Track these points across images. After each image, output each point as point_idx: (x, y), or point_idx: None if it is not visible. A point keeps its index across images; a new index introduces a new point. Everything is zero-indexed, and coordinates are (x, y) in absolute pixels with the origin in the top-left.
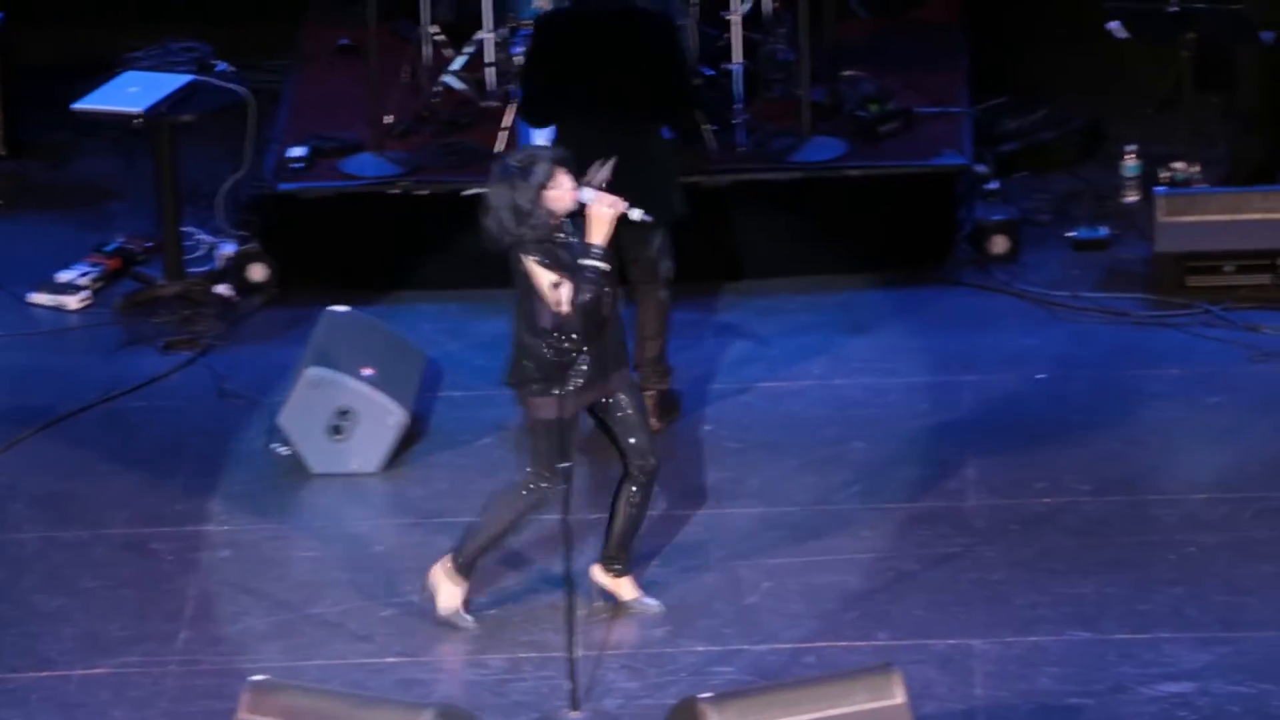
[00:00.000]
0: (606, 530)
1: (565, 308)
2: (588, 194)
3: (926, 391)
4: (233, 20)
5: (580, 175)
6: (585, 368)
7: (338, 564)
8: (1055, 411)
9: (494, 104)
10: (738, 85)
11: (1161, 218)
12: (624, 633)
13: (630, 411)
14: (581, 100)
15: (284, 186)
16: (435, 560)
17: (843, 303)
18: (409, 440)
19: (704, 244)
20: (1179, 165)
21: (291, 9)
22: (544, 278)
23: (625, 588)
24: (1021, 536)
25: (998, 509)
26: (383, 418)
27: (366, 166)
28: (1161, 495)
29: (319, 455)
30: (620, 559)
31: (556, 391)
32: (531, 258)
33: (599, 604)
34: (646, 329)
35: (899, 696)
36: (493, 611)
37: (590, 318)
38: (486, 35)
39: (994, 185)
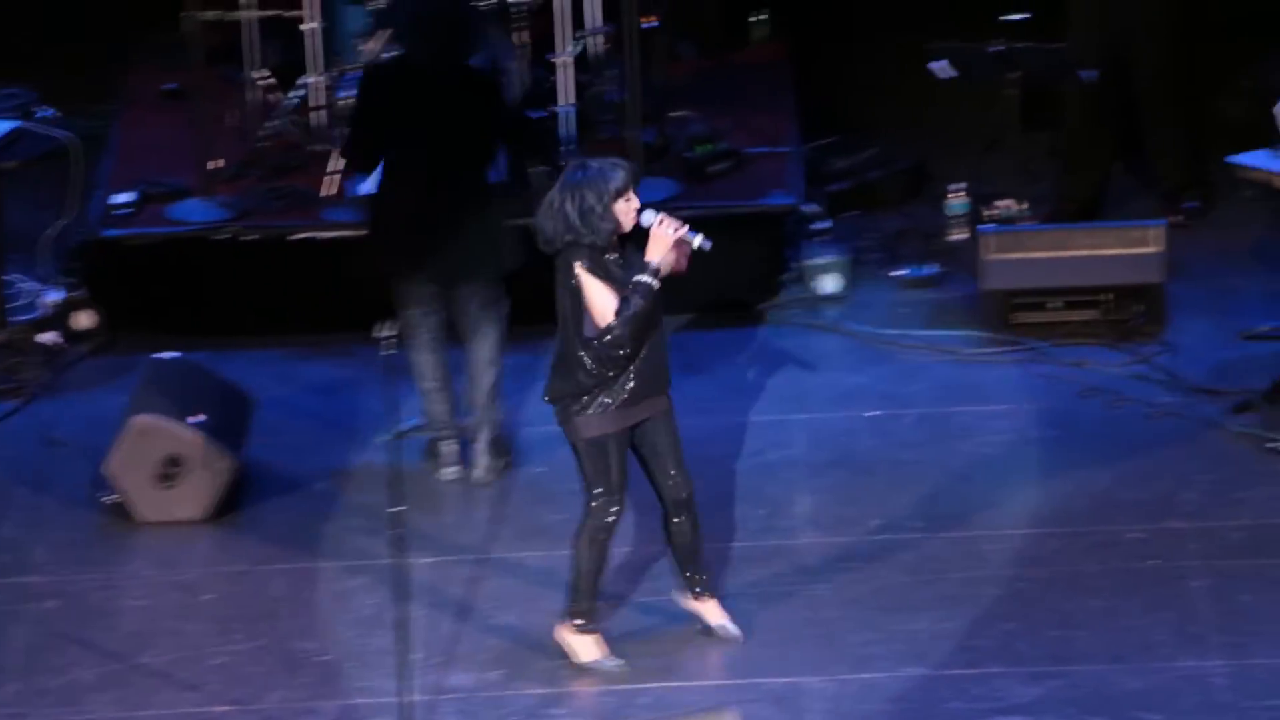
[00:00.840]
0: (673, 561)
1: (611, 318)
2: (650, 215)
3: (758, 430)
4: (57, 66)
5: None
6: (630, 384)
7: (167, 613)
8: (886, 449)
9: (321, 148)
10: (567, 127)
11: (988, 255)
12: (459, 677)
13: (669, 439)
14: (409, 149)
15: (109, 232)
16: (266, 606)
17: (674, 343)
18: (239, 487)
19: (536, 287)
20: (1005, 203)
21: (117, 53)
22: (593, 286)
23: (710, 611)
24: (854, 574)
25: (830, 547)
26: (212, 464)
27: (194, 212)
28: (992, 531)
29: (147, 503)
30: (696, 582)
31: (599, 407)
32: (581, 264)
33: (696, 628)
34: (482, 359)
35: None
36: (325, 658)
37: (637, 333)
38: (313, 79)
39: (824, 224)
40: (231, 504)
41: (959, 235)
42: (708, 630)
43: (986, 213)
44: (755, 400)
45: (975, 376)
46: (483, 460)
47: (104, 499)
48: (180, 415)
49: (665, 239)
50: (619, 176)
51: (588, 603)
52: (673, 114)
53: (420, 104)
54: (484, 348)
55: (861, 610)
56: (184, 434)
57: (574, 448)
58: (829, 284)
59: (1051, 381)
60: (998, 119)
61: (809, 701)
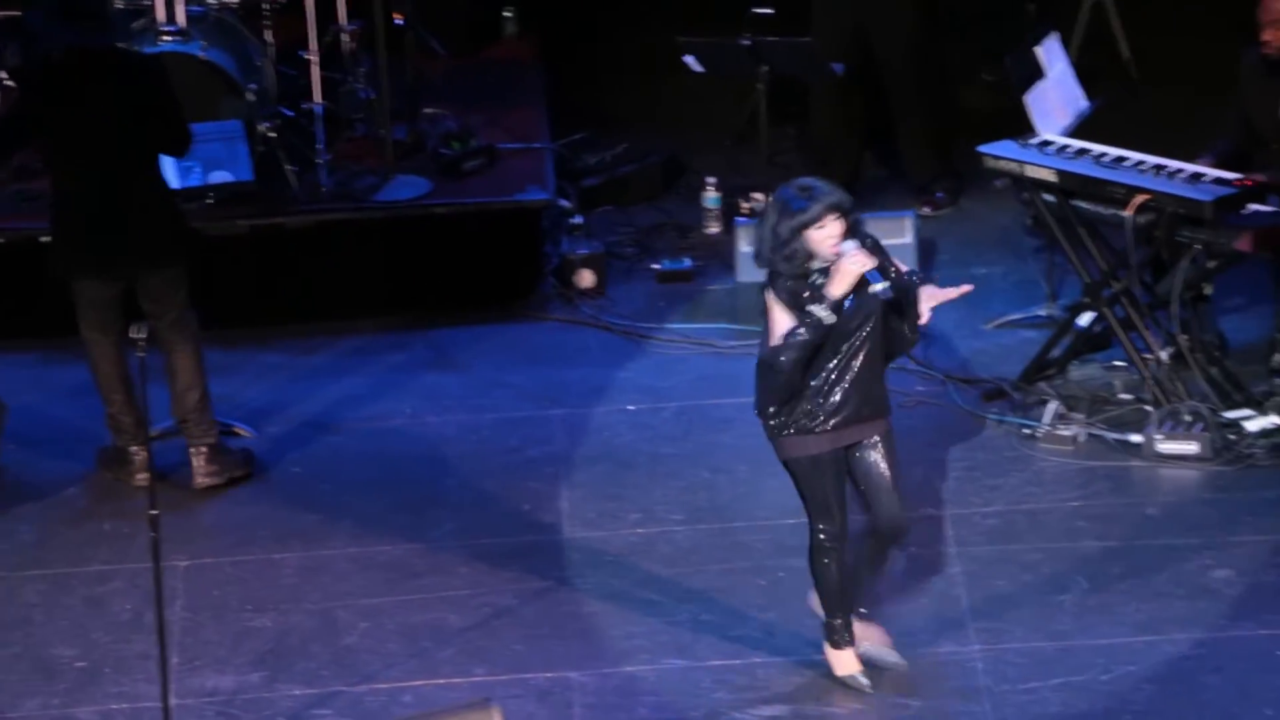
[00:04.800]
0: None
1: (778, 343)
2: (847, 245)
3: (518, 426)
4: None
5: None
6: (832, 408)
7: None
8: (645, 442)
9: None
10: (318, 125)
11: (743, 248)
12: (219, 680)
13: (881, 468)
14: (70, 145)
15: None
16: (20, 612)
17: (432, 340)
18: None
19: (290, 286)
20: (758, 196)
21: None
22: (775, 312)
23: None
24: (615, 568)
25: (591, 541)
26: None
27: None
28: (751, 522)
29: None
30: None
31: (799, 429)
32: (772, 291)
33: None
34: (181, 380)
35: None
36: (81, 664)
37: (799, 362)
38: None
39: (578, 219)
40: None
41: (713, 229)
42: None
43: (741, 205)
44: (514, 396)
45: (733, 369)
46: (198, 466)
47: None
48: None
49: (848, 275)
50: (812, 210)
51: (836, 619)
52: (425, 111)
53: (76, 99)
54: (181, 374)
55: (623, 604)
56: None
57: (785, 464)
58: (585, 279)
59: None
60: (747, 113)
61: (573, 695)
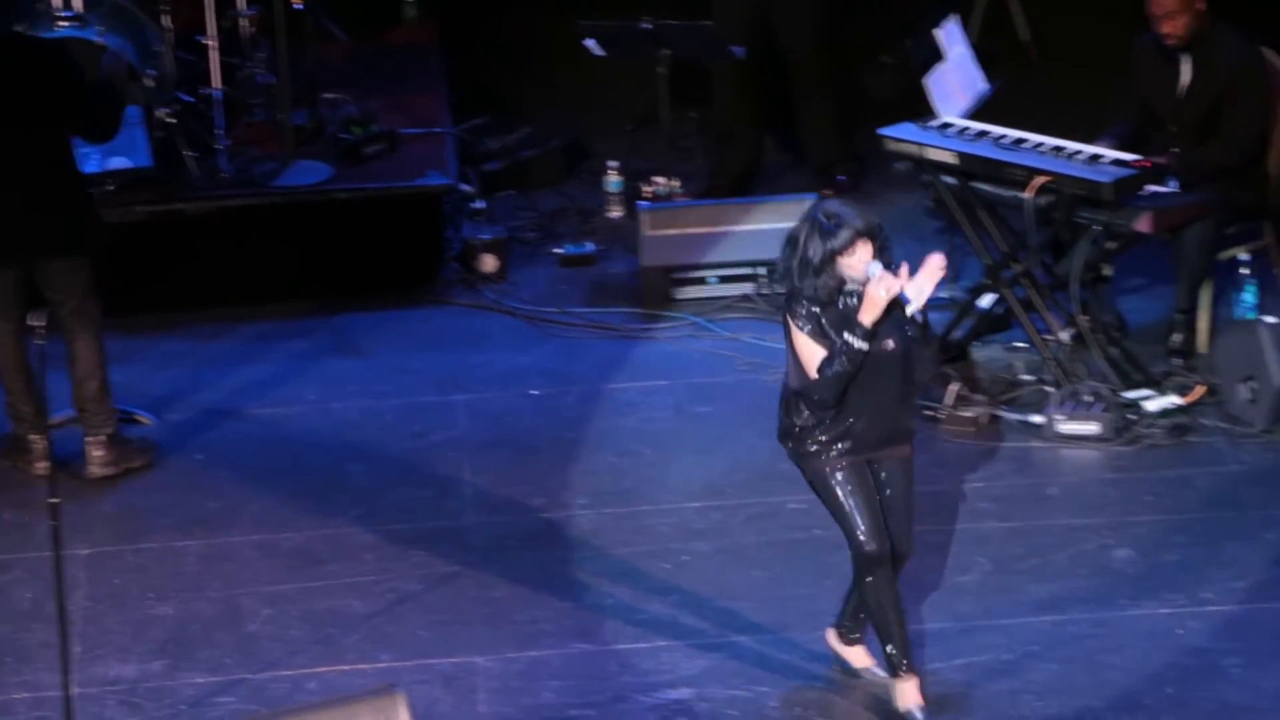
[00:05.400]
0: (845, 597)
1: (814, 374)
2: (875, 269)
3: (421, 412)
4: None
5: None
6: (855, 428)
7: None
8: (549, 427)
9: None
10: (218, 111)
11: (646, 232)
12: (121, 668)
13: (895, 493)
14: None
15: None
16: None
17: (335, 326)
18: None
19: (191, 272)
20: (660, 180)
21: None
22: (801, 341)
23: (857, 655)
24: (520, 552)
25: (496, 526)
26: None
27: None
28: (655, 505)
29: None
30: (854, 628)
31: (820, 448)
32: (796, 320)
33: (836, 669)
34: (82, 368)
35: (403, 718)
36: None
37: (839, 391)
38: None
39: (480, 204)
40: None
41: (616, 212)
42: (854, 674)
43: (643, 189)
44: (417, 381)
45: (636, 352)
46: (94, 455)
47: None
48: None
49: (879, 301)
50: (841, 236)
51: (887, 646)
52: (325, 96)
53: None
54: (82, 361)
55: (528, 588)
56: None
57: (811, 485)
58: (488, 263)
59: (710, 356)
60: (649, 96)
61: (478, 680)
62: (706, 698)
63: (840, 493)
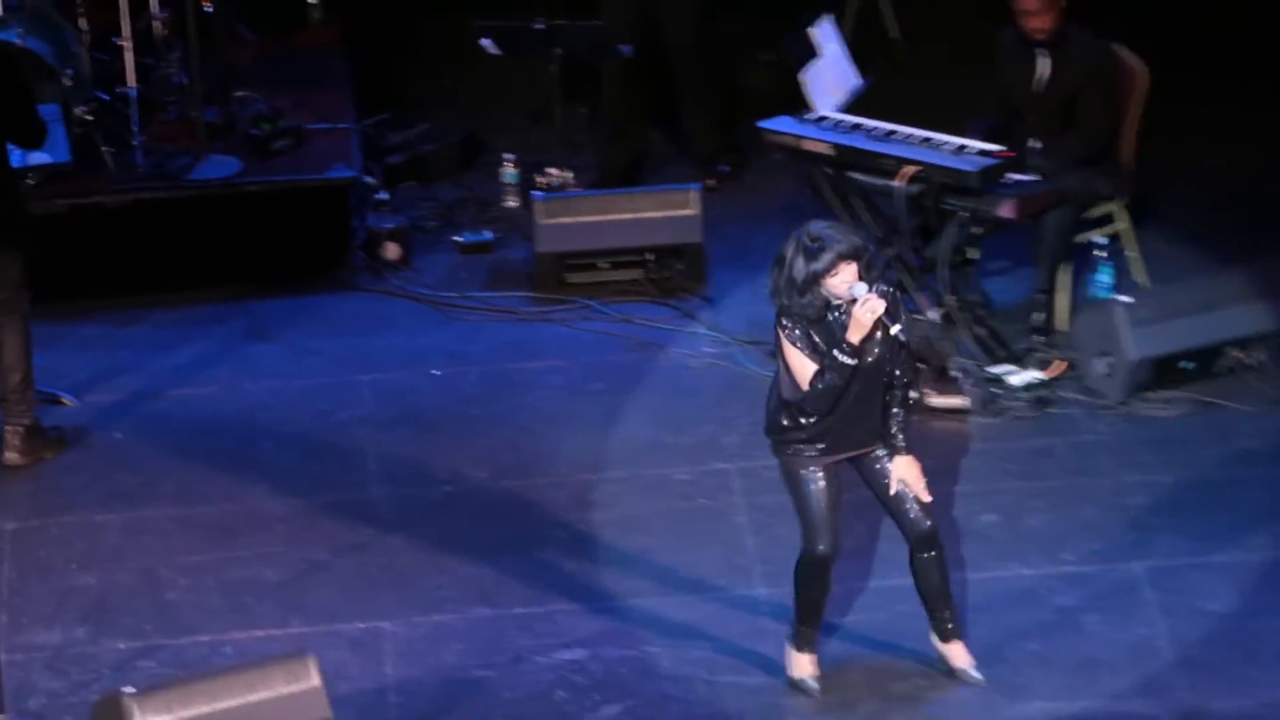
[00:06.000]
0: (921, 600)
1: (805, 387)
2: (859, 290)
3: (329, 392)
4: None
5: None
6: (831, 430)
7: None
8: (451, 405)
9: None
10: (133, 109)
11: (540, 220)
12: (46, 635)
13: (889, 482)
14: None
15: None
16: None
17: (248, 311)
18: None
19: (110, 262)
20: (553, 171)
21: None
22: (791, 355)
23: (954, 653)
24: (425, 523)
25: (401, 498)
26: None
27: None
28: (551, 479)
29: None
30: (943, 623)
31: (797, 447)
32: (785, 332)
33: (940, 668)
34: (8, 360)
35: (314, 680)
36: None
37: (828, 404)
38: None
39: (384, 195)
40: None
41: (512, 202)
42: (950, 673)
43: (537, 180)
44: (325, 363)
45: (532, 334)
46: (11, 444)
47: None
48: None
49: (865, 323)
50: (824, 259)
51: (801, 628)
52: (235, 94)
53: None
54: (8, 353)
55: (432, 556)
56: None
57: (784, 478)
58: (392, 251)
59: (602, 337)
60: (542, 93)
61: (384, 644)
62: (600, 658)
63: (807, 491)
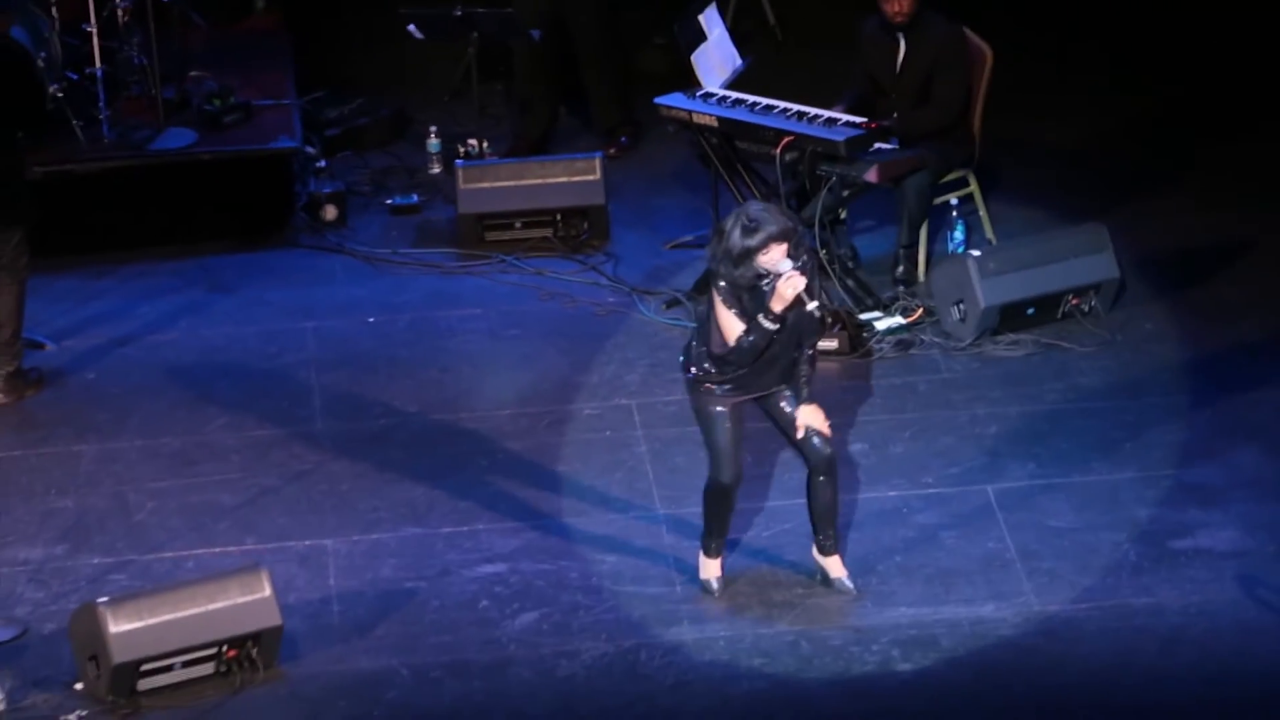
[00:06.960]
0: (810, 517)
1: (732, 343)
2: (785, 266)
3: (277, 337)
4: None
5: None
6: (740, 378)
7: None
8: (384, 348)
9: None
10: (100, 87)
11: (462, 185)
12: (28, 552)
13: (791, 413)
14: None
15: None
16: None
17: (204, 267)
18: None
19: (81, 223)
20: (472, 141)
21: None
22: (723, 314)
23: (832, 565)
24: (363, 452)
25: (342, 430)
26: None
27: None
28: (474, 413)
29: None
30: (824, 540)
31: (708, 385)
32: (719, 293)
33: (817, 578)
34: (2, 315)
35: (266, 590)
36: None
37: (751, 357)
38: None
39: (322, 164)
40: None
41: (436, 169)
42: (828, 582)
43: (459, 149)
44: (273, 311)
45: (455, 286)
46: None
47: None
48: None
49: (787, 297)
50: (758, 238)
51: (709, 540)
52: (190, 74)
53: None
54: (1, 309)
55: (370, 482)
56: None
57: (695, 413)
58: (330, 213)
59: (517, 289)
60: (462, 72)
61: (328, 559)
62: (518, 571)
63: (715, 426)
